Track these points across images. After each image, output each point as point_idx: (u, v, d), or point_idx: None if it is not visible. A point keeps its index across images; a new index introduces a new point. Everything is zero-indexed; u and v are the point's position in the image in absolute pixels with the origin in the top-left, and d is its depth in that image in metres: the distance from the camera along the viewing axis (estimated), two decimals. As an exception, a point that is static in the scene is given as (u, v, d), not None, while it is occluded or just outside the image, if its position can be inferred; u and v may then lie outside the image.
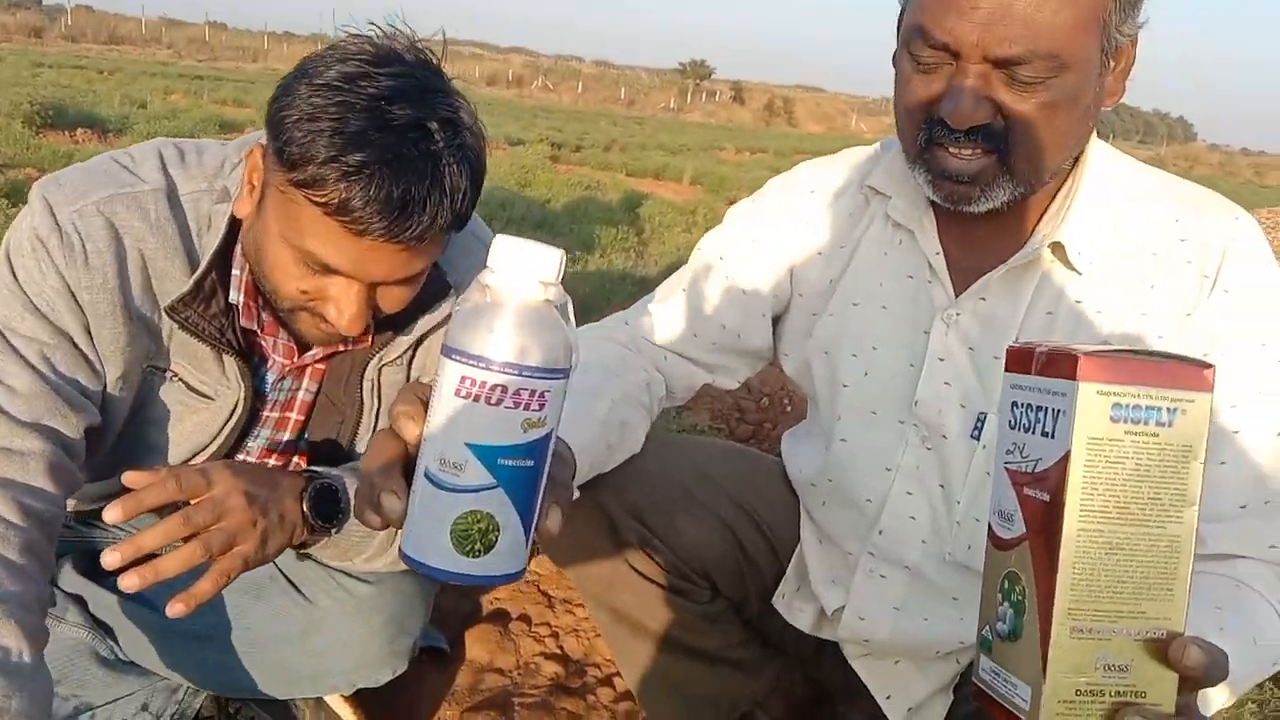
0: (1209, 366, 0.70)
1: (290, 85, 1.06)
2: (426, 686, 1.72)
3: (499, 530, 0.73)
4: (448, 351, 0.73)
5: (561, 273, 0.75)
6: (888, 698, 1.37)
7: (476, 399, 0.71)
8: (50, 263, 1.14)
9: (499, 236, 0.75)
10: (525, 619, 1.93)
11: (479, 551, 0.73)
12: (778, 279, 1.37)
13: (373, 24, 1.11)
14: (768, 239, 1.37)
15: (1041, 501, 0.71)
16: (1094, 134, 1.20)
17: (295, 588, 1.42)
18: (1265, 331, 1.14)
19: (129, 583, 1.04)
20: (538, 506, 0.76)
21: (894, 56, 1.19)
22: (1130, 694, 0.71)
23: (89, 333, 1.17)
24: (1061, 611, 0.70)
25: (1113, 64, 1.12)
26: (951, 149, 1.10)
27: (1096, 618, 0.70)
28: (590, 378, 1.27)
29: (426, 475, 0.73)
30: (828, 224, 1.34)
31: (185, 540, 1.08)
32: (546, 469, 0.76)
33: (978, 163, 1.10)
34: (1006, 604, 0.75)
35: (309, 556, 1.32)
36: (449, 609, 1.91)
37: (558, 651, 1.87)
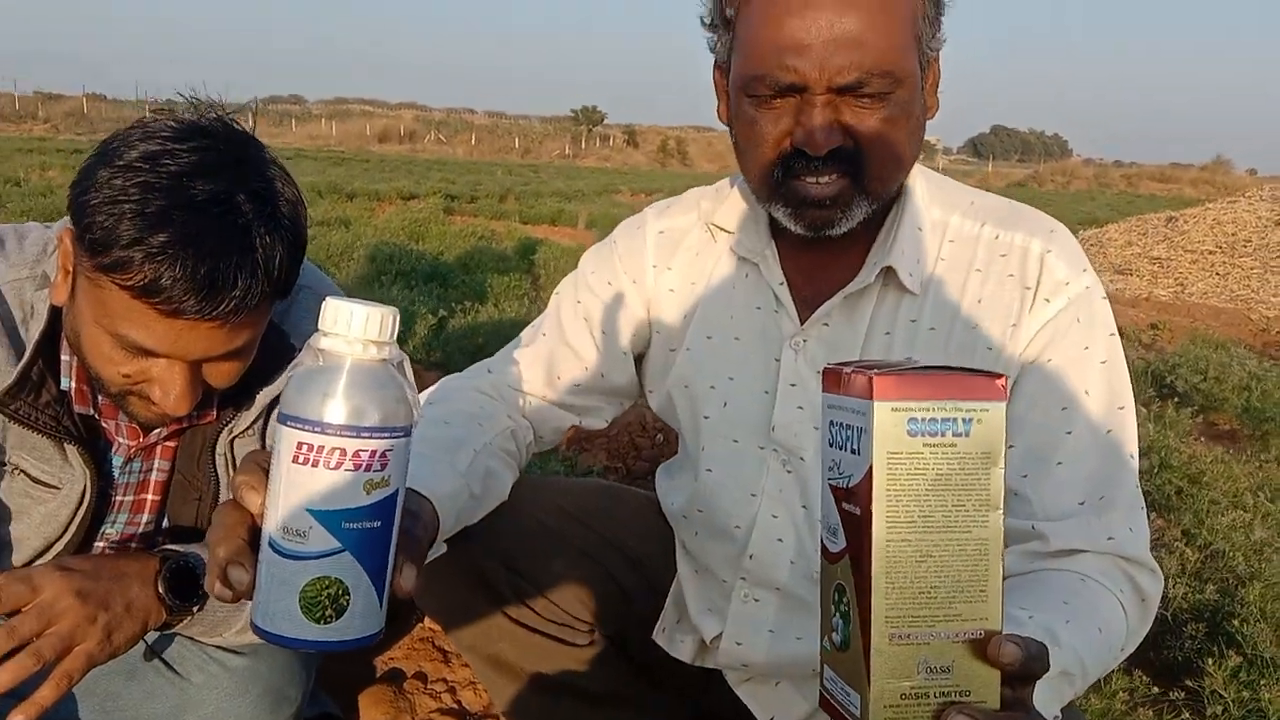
0: (1000, 376, 0.73)
1: (91, 168, 1.05)
2: (320, 755, 1.68)
3: (349, 594, 0.73)
4: (283, 418, 0.73)
5: (394, 331, 0.76)
6: (770, 719, 1.39)
7: (315, 464, 0.72)
8: None
9: (328, 299, 0.75)
10: (421, 676, 1.91)
11: (330, 617, 0.73)
12: (635, 318, 1.40)
13: (180, 94, 1.11)
14: (621, 280, 1.41)
15: (854, 515, 0.75)
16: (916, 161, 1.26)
17: (168, 665, 1.39)
18: (1086, 335, 1.21)
19: None
20: (390, 566, 0.77)
21: (728, 107, 1.24)
22: (955, 694, 0.74)
23: None
24: (879, 619, 0.73)
25: (926, 79, 1.20)
26: (809, 178, 1.16)
27: (913, 623, 0.73)
28: (452, 429, 1.28)
29: (271, 545, 0.73)
30: (677, 262, 1.38)
31: (15, 651, 1.06)
32: (396, 528, 0.76)
33: (835, 185, 1.16)
34: (837, 615, 0.78)
35: (176, 635, 1.30)
36: (341, 673, 1.88)
37: (454, 706, 1.85)
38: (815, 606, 1.30)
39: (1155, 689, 1.94)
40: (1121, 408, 1.20)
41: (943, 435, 0.73)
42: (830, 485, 0.78)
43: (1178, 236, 10.64)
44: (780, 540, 1.31)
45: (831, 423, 0.78)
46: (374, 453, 0.73)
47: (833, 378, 0.78)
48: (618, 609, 1.46)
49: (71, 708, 1.37)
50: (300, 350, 1.26)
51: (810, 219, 1.18)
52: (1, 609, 1.08)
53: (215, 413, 1.27)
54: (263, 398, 1.28)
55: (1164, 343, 6.24)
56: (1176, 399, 4.11)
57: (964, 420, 0.73)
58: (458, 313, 4.89)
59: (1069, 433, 1.18)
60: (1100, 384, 1.20)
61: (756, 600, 1.35)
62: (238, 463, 1.31)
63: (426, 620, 2.04)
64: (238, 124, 1.13)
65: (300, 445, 0.72)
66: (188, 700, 1.37)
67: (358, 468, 0.72)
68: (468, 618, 1.39)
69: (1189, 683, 1.98)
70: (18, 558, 1.28)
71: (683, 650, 1.46)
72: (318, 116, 66.20)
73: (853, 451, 0.75)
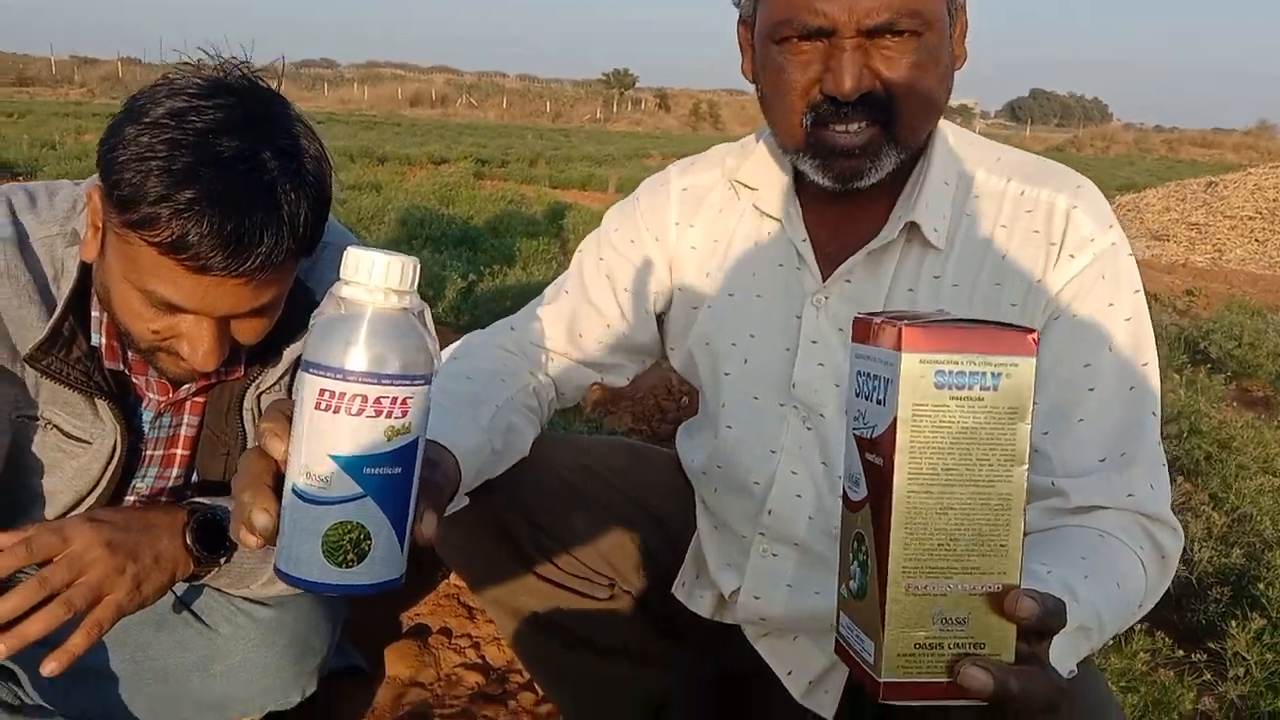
0: (1031, 331, 0.72)
1: (119, 125, 1.06)
2: (347, 706, 1.72)
3: (371, 539, 0.75)
4: (305, 366, 0.74)
5: (415, 280, 0.77)
6: (789, 674, 1.40)
7: (337, 410, 0.73)
8: None
9: (349, 248, 0.76)
10: (446, 632, 1.94)
11: (351, 562, 0.75)
12: (657, 276, 1.40)
13: (202, 51, 1.11)
14: (644, 238, 1.41)
15: (877, 466, 0.75)
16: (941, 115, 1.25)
17: (197, 616, 1.42)
18: (1111, 291, 1.20)
19: None
20: (410, 513, 0.78)
21: (753, 61, 1.24)
22: (969, 645, 0.74)
23: None
24: (896, 570, 0.73)
25: (954, 27, 1.19)
26: (838, 126, 1.15)
27: (931, 574, 0.74)
28: (474, 384, 1.29)
29: (294, 490, 0.74)
30: (700, 219, 1.38)
31: (47, 601, 1.08)
32: (416, 475, 0.77)
33: (865, 134, 1.15)
34: (855, 563, 0.78)
35: (204, 586, 1.33)
36: (367, 627, 1.91)
37: (479, 661, 1.88)
38: (833, 562, 1.31)
39: (1178, 651, 1.93)
40: (1145, 364, 1.19)
41: (970, 389, 0.72)
42: (855, 435, 0.78)
43: (1217, 202, 10.45)
44: (799, 496, 1.32)
45: (859, 372, 0.78)
46: (395, 399, 0.74)
47: (862, 327, 0.78)
48: (638, 564, 1.47)
49: (103, 656, 1.41)
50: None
51: (839, 169, 1.18)
52: (33, 559, 1.11)
53: (243, 369, 1.29)
54: (289, 354, 1.29)
55: (1199, 309, 6.15)
56: (1209, 365, 4.06)
57: (993, 374, 0.72)
58: (486, 276, 4.91)
59: (1091, 389, 1.17)
60: (1124, 341, 1.19)
61: (775, 555, 1.35)
62: None
63: (452, 576, 2.07)
64: (262, 81, 1.13)
65: (323, 392, 0.73)
66: (215, 650, 1.40)
67: (379, 414, 0.73)
68: (490, 570, 1.41)
69: (1211, 645, 1.97)
70: (50, 511, 1.31)
71: (702, 605, 1.47)
72: (350, 80, 66.25)
73: (878, 402, 0.75)
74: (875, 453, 0.75)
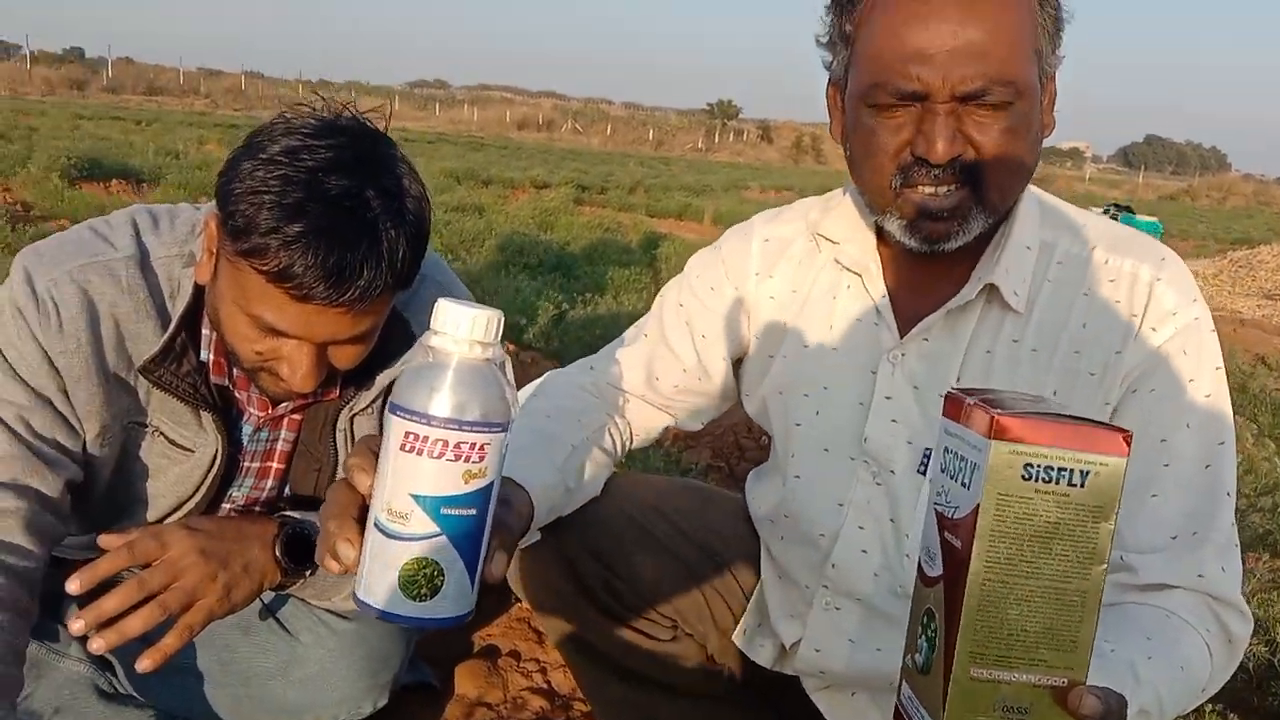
0: (1124, 432, 0.71)
1: (237, 160, 1.14)
2: (415, 720, 1.77)
3: (444, 576, 0.80)
4: (393, 408, 0.80)
5: (498, 332, 0.82)
6: (846, 729, 1.41)
7: (420, 453, 0.78)
8: (27, 330, 1.22)
9: (440, 300, 0.82)
10: (515, 654, 1.99)
11: (425, 596, 0.80)
12: (735, 324, 1.43)
13: (318, 94, 1.19)
14: (724, 286, 1.44)
15: (955, 548, 0.75)
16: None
17: (281, 624, 1.49)
18: (1192, 367, 1.19)
19: (96, 645, 1.15)
20: (483, 552, 0.83)
21: (843, 123, 1.26)
22: None
23: (66, 394, 1.25)
24: (963, 654, 0.73)
25: (1044, 96, 1.20)
26: (928, 188, 1.17)
27: (997, 663, 0.74)
28: (552, 423, 1.34)
29: (376, 524, 0.80)
30: (780, 270, 1.41)
31: (145, 601, 1.17)
32: (490, 517, 0.82)
33: (954, 197, 1.16)
34: (923, 638, 0.79)
35: (290, 596, 1.40)
36: (439, 645, 1.97)
37: (545, 686, 1.92)
38: (897, 619, 1.32)
39: (1256, 734, 1.87)
40: (1222, 443, 1.18)
41: (1057, 483, 0.71)
42: (936, 510, 0.78)
43: (1338, 262, 10.01)
44: (864, 552, 1.33)
45: (946, 449, 0.78)
46: (474, 445, 0.79)
47: (954, 405, 0.77)
48: (701, 609, 1.50)
49: (192, 655, 1.49)
50: (419, 337, 1.34)
51: (926, 232, 1.19)
52: (135, 562, 1.20)
53: (338, 391, 1.36)
54: (382, 379, 1.36)
55: (1311, 375, 5.90)
56: (1316, 435, 3.89)
57: (1081, 471, 0.71)
58: (578, 304, 4.99)
59: (1166, 465, 1.16)
60: (1203, 418, 1.17)
61: (838, 609, 1.36)
62: (356, 439, 1.40)
63: (524, 602, 2.12)
64: (370, 123, 1.20)
65: (408, 434, 0.78)
66: (296, 657, 1.47)
67: (458, 458, 0.78)
68: (556, 603, 1.45)
69: (1293, 730, 1.90)
70: (152, 513, 1.40)
71: (762, 654, 1.48)
72: (461, 101, 67.84)
73: (963, 484, 0.74)
74: (954, 534, 0.75)
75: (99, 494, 1.36)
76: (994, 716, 0.74)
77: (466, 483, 0.79)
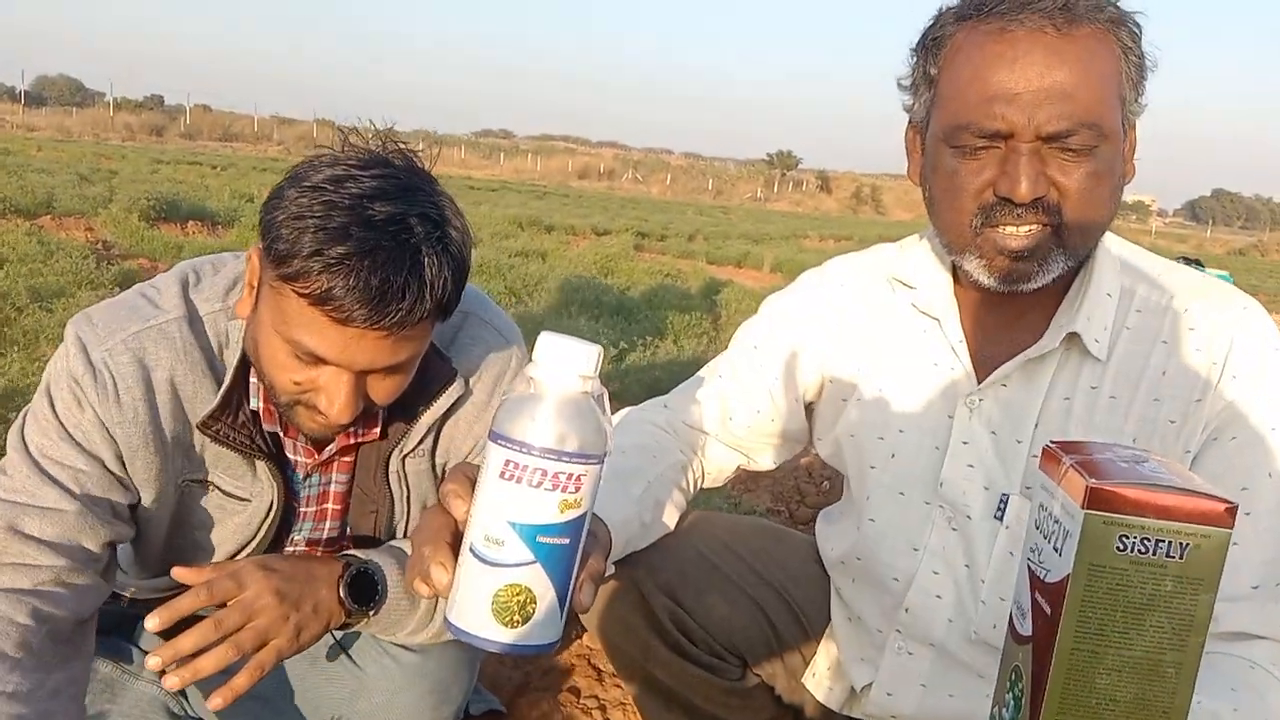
0: (1228, 503, 0.67)
1: (281, 189, 1.16)
2: (477, 753, 1.77)
3: (536, 603, 0.81)
4: (494, 437, 0.81)
5: (598, 366, 0.83)
6: (916, 776, 1.38)
7: (518, 481, 0.79)
8: (85, 400, 1.23)
9: (544, 333, 0.84)
10: (574, 690, 1.98)
11: (517, 623, 0.81)
12: (809, 366, 1.44)
13: (371, 125, 1.21)
14: (800, 328, 1.44)
15: (1045, 612, 0.72)
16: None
17: (348, 655, 1.50)
18: (1275, 416, 1.16)
19: (170, 683, 1.17)
20: (573, 581, 0.84)
21: (921, 165, 1.27)
22: None
23: (121, 460, 1.27)
24: None
25: (1126, 142, 1.20)
26: (1009, 227, 1.16)
27: None
28: (629, 459, 1.35)
29: (471, 550, 0.81)
30: (856, 314, 1.41)
31: (220, 640, 1.19)
32: (582, 547, 0.83)
33: (1035, 236, 1.16)
34: (1010, 695, 0.76)
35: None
36: (502, 676, 1.98)
37: (604, 725, 1.91)
38: (970, 665, 1.30)
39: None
40: None
41: (1154, 554, 0.67)
42: (1028, 567, 0.76)
43: None
44: (939, 597, 1.31)
45: (1041, 505, 0.75)
46: (571, 475, 0.79)
47: (1052, 461, 0.74)
48: (771, 649, 1.48)
49: (263, 682, 1.51)
50: (460, 374, 1.35)
51: (1006, 270, 1.18)
52: (213, 601, 1.22)
53: (380, 430, 1.37)
54: (427, 418, 1.36)
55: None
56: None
57: (1181, 544, 0.67)
58: (638, 347, 5.01)
59: (1248, 514, 1.13)
60: None
61: (910, 654, 1.35)
62: (409, 479, 1.41)
63: (585, 637, 2.12)
64: (417, 157, 1.22)
65: (507, 463, 0.79)
66: (362, 688, 1.48)
67: (555, 488, 0.79)
68: (625, 638, 1.45)
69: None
70: (214, 559, 1.43)
71: (831, 697, 1.46)
72: (525, 151, 69.00)
73: (1055, 549, 0.71)
74: (1045, 597, 0.72)
75: (159, 545, 1.39)
76: None
77: (562, 512, 0.80)
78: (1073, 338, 1.22)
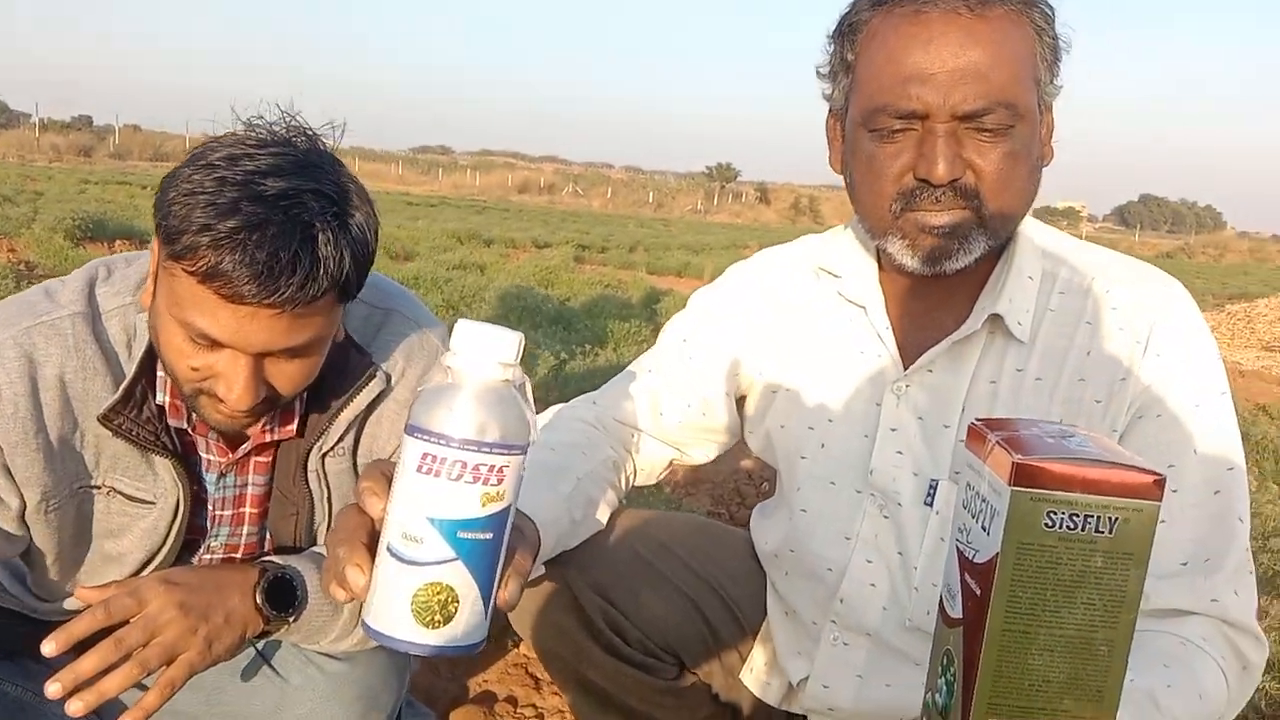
0: (1158, 475, 0.67)
1: (177, 170, 1.12)
2: (411, 768, 1.72)
3: (459, 602, 0.77)
4: (410, 429, 0.77)
5: (519, 353, 0.80)
6: (855, 769, 1.36)
7: (437, 474, 0.76)
8: None
9: (461, 320, 0.80)
10: (511, 700, 1.94)
11: (438, 623, 0.77)
12: (739, 359, 1.42)
13: (276, 107, 1.17)
14: (729, 321, 1.43)
15: (975, 593, 0.70)
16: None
17: (270, 665, 1.45)
18: (1198, 393, 1.17)
19: (74, 708, 1.10)
20: (497, 579, 0.80)
21: (842, 152, 1.27)
22: None
23: (3, 460, 1.21)
24: (980, 704, 0.69)
25: (1043, 124, 1.20)
26: (930, 209, 1.16)
27: (1018, 713, 0.69)
28: (557, 456, 1.32)
29: (389, 549, 0.77)
30: (784, 305, 1.40)
31: (124, 659, 1.13)
32: (506, 542, 0.80)
33: (957, 214, 1.16)
34: (942, 679, 0.75)
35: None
36: (437, 689, 1.93)
37: (543, 734, 1.87)
38: (906, 654, 1.29)
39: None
40: (1231, 469, 1.16)
41: (1083, 530, 0.66)
42: (957, 549, 0.74)
43: (1337, 315, 10.04)
44: (873, 585, 1.30)
45: (968, 484, 0.74)
46: (492, 467, 0.76)
47: (977, 439, 0.73)
48: (707, 647, 1.46)
49: (179, 697, 1.44)
50: (381, 371, 1.31)
51: (928, 249, 1.18)
52: (111, 620, 1.15)
53: (296, 427, 1.32)
54: (347, 414, 1.32)
55: (1314, 424, 5.88)
56: (1320, 481, 3.86)
57: (1110, 519, 0.66)
58: (578, 355, 4.98)
59: (1175, 491, 1.14)
60: (1210, 443, 1.16)
61: (846, 644, 1.33)
62: (330, 480, 1.36)
63: (522, 646, 2.08)
64: (321, 141, 1.18)
65: (425, 455, 0.76)
66: (285, 700, 1.43)
67: (476, 480, 0.76)
68: (558, 640, 1.41)
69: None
70: (123, 571, 1.36)
71: (769, 692, 1.45)
72: (464, 167, 68.67)
73: (983, 528, 0.70)
74: (975, 578, 0.70)
75: (61, 559, 1.32)
76: None
77: (484, 506, 0.77)
78: (996, 321, 1.22)
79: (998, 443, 0.69)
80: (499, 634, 2.12)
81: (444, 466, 0.75)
